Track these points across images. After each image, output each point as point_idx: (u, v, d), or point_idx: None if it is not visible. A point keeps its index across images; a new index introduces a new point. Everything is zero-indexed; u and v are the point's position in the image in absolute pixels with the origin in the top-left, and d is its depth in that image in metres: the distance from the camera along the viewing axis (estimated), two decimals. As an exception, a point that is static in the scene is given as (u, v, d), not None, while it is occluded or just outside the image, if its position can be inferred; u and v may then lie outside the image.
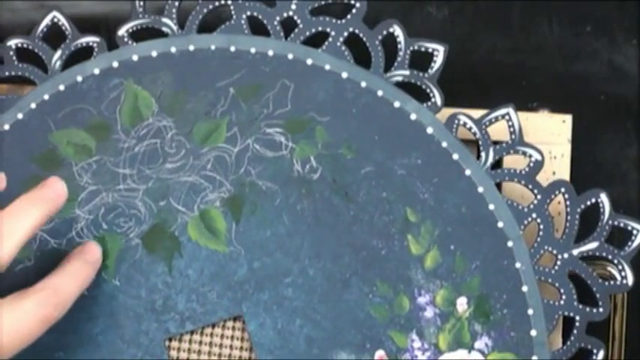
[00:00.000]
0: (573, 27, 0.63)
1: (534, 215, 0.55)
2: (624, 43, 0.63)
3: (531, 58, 0.63)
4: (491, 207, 0.55)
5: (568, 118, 0.60)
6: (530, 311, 0.54)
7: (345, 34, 0.57)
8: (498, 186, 0.58)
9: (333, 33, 0.57)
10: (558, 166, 0.59)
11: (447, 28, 0.64)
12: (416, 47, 0.57)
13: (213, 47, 0.56)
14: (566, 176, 0.59)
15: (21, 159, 0.55)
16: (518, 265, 0.55)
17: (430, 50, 0.57)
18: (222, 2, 0.57)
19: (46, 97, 0.56)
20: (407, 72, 0.57)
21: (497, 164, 0.58)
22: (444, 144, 0.56)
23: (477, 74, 0.63)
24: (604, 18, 0.63)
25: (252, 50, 0.56)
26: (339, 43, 0.57)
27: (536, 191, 0.56)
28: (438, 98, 0.56)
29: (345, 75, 0.56)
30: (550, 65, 0.63)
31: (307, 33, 0.57)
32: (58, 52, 0.57)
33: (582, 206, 0.56)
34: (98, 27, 0.62)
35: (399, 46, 0.57)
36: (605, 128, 0.63)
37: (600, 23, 0.63)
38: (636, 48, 0.63)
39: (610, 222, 0.56)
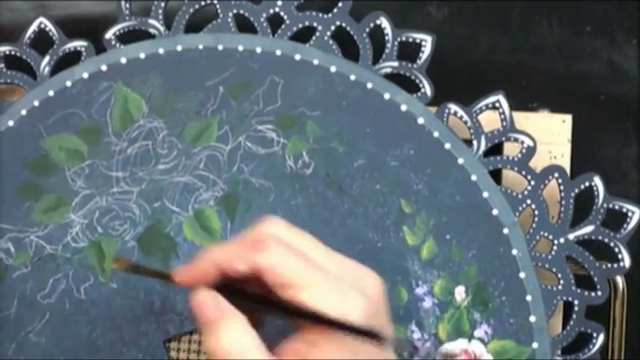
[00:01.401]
0: (573, 27, 0.63)
1: (529, 201, 0.55)
2: (624, 43, 0.63)
3: (531, 58, 0.63)
4: (486, 195, 0.55)
5: (568, 118, 0.60)
6: (528, 297, 0.54)
7: (332, 28, 0.57)
8: (498, 176, 0.58)
9: (320, 27, 0.57)
10: (558, 165, 0.60)
11: (447, 28, 0.64)
12: (403, 38, 0.57)
13: (200, 47, 0.56)
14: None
15: (13, 166, 0.55)
16: (514, 251, 0.55)
17: (418, 41, 0.57)
18: (209, 1, 0.57)
19: (36, 103, 0.56)
20: (395, 63, 0.57)
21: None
22: (436, 134, 0.56)
23: (477, 74, 0.63)
24: (604, 18, 0.63)
25: (240, 48, 0.56)
26: (326, 38, 0.57)
27: (529, 177, 0.56)
28: (427, 89, 0.56)
29: (333, 69, 0.56)
30: (550, 65, 0.63)
31: (294, 28, 0.57)
32: (47, 58, 0.57)
33: (576, 190, 0.56)
34: (96, 28, 0.62)
35: (386, 37, 0.57)
36: (605, 128, 0.63)
37: (600, 23, 0.63)
38: (636, 48, 0.63)
39: (605, 204, 0.55)
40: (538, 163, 0.57)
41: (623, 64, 0.63)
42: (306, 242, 0.43)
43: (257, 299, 0.43)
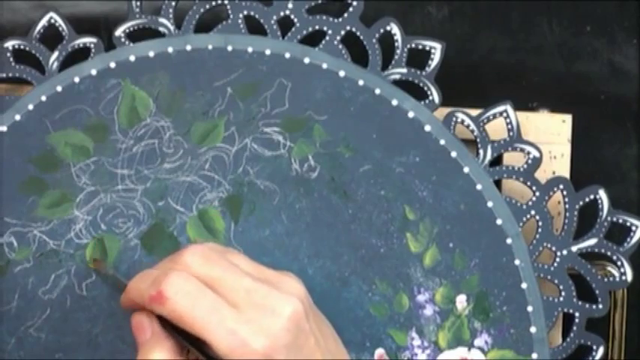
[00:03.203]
0: (573, 27, 0.63)
1: (533, 212, 0.55)
2: (624, 43, 0.63)
3: (531, 58, 0.63)
4: (490, 204, 0.55)
5: (568, 118, 0.60)
6: (529, 308, 0.54)
7: (342, 32, 0.57)
8: (498, 184, 0.58)
9: (330, 32, 0.57)
10: (558, 165, 0.59)
11: (447, 28, 0.64)
12: (413, 45, 0.57)
13: (210, 47, 0.56)
14: (566, 176, 0.59)
15: (19, 160, 0.55)
16: (517, 262, 0.55)
17: (427, 48, 0.57)
18: (219, 2, 0.57)
19: (44, 98, 0.56)
20: (404, 70, 0.57)
21: (497, 163, 0.58)
22: (442, 141, 0.56)
23: (477, 74, 0.63)
24: (604, 18, 0.63)
25: (250, 49, 0.56)
26: (336, 42, 0.57)
27: (534, 188, 0.56)
28: (435, 96, 0.56)
29: (342, 73, 0.56)
30: (550, 65, 0.63)
31: (304, 32, 0.57)
32: (55, 53, 0.57)
33: (581, 202, 0.56)
34: (98, 27, 0.62)
35: (396, 44, 0.57)
36: (605, 128, 0.63)
37: (600, 23, 0.63)
38: (636, 48, 0.63)
39: (609, 218, 0.56)
40: (537, 163, 0.57)
41: (623, 64, 0.63)
42: (216, 272, 0.45)
43: (180, 330, 0.45)
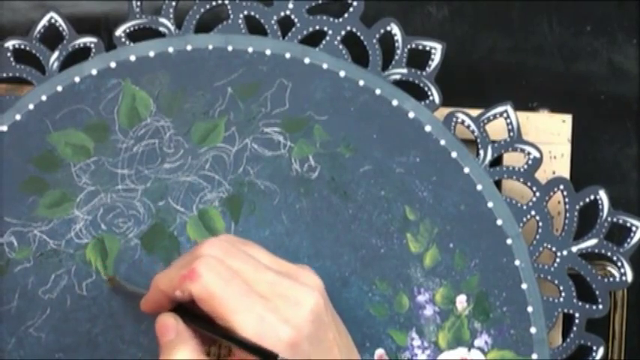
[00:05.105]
0: (573, 27, 0.63)
1: (533, 212, 0.55)
2: (624, 43, 0.63)
3: (531, 58, 0.63)
4: (490, 204, 0.55)
5: (568, 118, 0.60)
6: (529, 309, 0.54)
7: (343, 32, 0.57)
8: (498, 184, 0.58)
9: (330, 32, 0.57)
10: (558, 165, 0.59)
11: (447, 28, 0.64)
12: (413, 45, 0.57)
13: (210, 47, 0.56)
14: (566, 176, 0.59)
15: (19, 160, 0.55)
16: (517, 262, 0.55)
17: (428, 48, 0.57)
18: (220, 2, 0.57)
19: (44, 98, 0.56)
20: (405, 70, 0.57)
21: (497, 163, 0.58)
22: (443, 142, 0.56)
23: (477, 74, 0.63)
24: (604, 18, 0.63)
25: (250, 49, 0.56)
26: (336, 42, 0.57)
27: (534, 188, 0.56)
28: (435, 96, 0.56)
29: (342, 74, 0.56)
30: (550, 65, 0.63)
31: (304, 32, 0.57)
32: (56, 53, 0.57)
33: (581, 203, 0.56)
34: (98, 27, 0.62)
35: (396, 44, 0.57)
36: (605, 128, 0.63)
37: (600, 23, 0.63)
38: (636, 48, 0.63)
39: (609, 218, 0.56)
40: (537, 163, 0.57)
41: (623, 64, 0.63)
42: (237, 265, 0.45)
43: (204, 322, 0.45)
